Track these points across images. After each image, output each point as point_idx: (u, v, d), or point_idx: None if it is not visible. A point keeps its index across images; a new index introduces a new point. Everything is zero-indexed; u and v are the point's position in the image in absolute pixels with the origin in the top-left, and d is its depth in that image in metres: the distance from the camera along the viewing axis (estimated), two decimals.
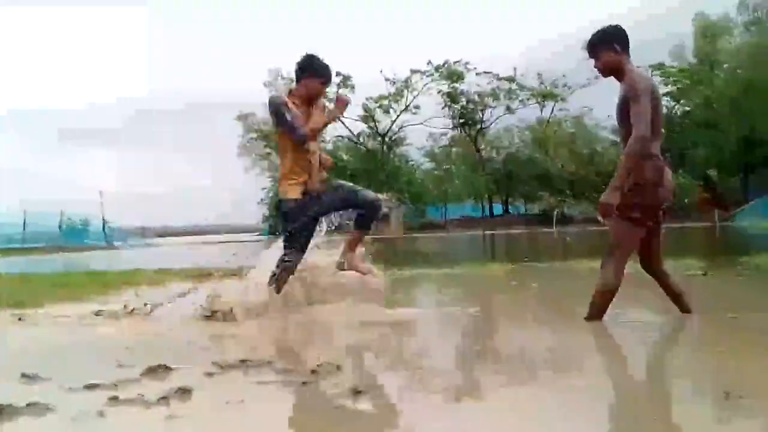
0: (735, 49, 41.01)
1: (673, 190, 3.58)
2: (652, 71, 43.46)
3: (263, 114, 51.84)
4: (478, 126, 49.60)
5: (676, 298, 3.73)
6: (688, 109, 43.96)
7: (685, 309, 3.70)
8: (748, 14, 41.60)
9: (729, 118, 38.50)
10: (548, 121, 48.11)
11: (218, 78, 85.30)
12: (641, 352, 3.17)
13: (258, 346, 3.40)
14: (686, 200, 37.42)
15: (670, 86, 43.25)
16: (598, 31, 3.69)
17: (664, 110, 4.16)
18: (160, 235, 53.44)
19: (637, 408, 2.16)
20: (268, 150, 51.63)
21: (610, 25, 3.70)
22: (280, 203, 4.47)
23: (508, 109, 48.38)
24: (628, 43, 3.63)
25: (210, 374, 2.70)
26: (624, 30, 3.68)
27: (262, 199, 51.73)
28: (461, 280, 6.87)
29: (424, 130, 50.58)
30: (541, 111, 48.24)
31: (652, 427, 1.96)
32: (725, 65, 40.84)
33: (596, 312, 3.62)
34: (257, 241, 38.55)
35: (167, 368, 2.76)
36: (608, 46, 3.61)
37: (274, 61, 77.76)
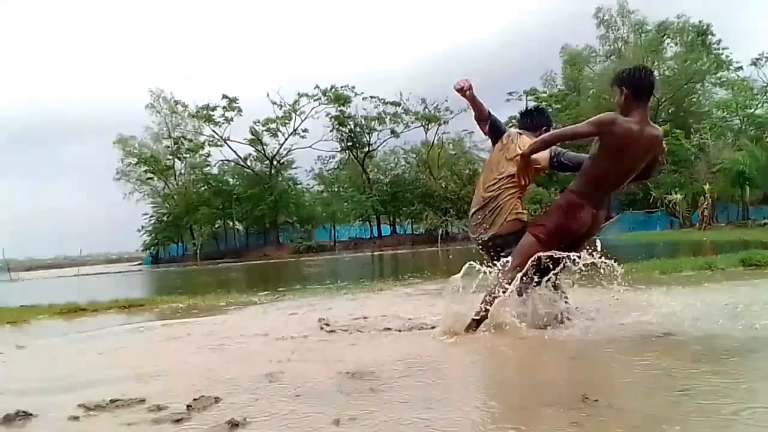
0: (597, 76, 44.72)
1: (586, 226, 3.84)
2: (526, 96, 46.49)
3: (144, 136, 49.96)
4: (366, 149, 50.47)
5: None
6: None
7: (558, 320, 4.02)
8: (608, 45, 45.77)
9: None
10: (432, 143, 49.74)
11: (92, 98, 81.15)
12: (499, 361, 3.35)
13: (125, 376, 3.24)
14: None
15: None
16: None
17: None
18: (28, 268, 49.45)
19: (499, 414, 2.28)
20: (149, 175, 49.57)
21: (624, 69, 3.86)
22: None
23: (394, 132, 49.63)
24: (632, 86, 3.68)
25: (75, 418, 2.55)
26: (631, 75, 3.73)
27: (142, 227, 49.37)
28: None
29: (312, 152, 50.82)
30: (426, 134, 49.87)
31: None
32: (590, 91, 44.19)
33: (480, 315, 3.85)
34: (138, 271, 36.70)
35: (27, 415, 2.58)
36: (617, 87, 3.76)
37: (156, 81, 75.49)
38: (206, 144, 48.97)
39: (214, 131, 48.32)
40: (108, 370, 3.69)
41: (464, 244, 33.03)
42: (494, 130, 4.39)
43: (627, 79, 3.71)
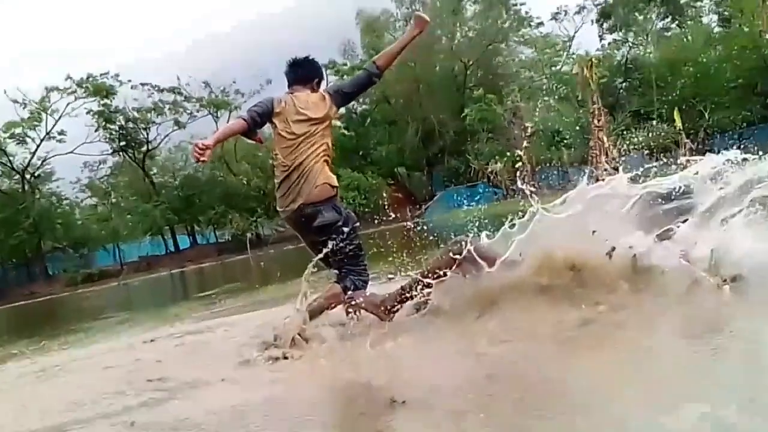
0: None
1: None
2: (325, 70, 47.42)
3: None
4: (144, 147, 48.05)
5: None
6: (366, 107, 48.50)
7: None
8: (405, 8, 48.05)
9: (405, 113, 43.95)
10: None
11: None
12: (313, 383, 3.45)
13: None
14: (381, 201, 41.62)
15: None
16: None
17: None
18: None
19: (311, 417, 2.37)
20: None
21: None
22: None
23: (177, 124, 47.75)
24: None
25: None
26: None
27: None
28: None
29: (76, 159, 47.23)
30: (216, 122, 48.49)
31: None
32: None
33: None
34: None
35: None
36: None
37: None
38: None
39: None
40: None
41: (279, 246, 32.98)
42: (265, 120, 4.45)
43: None
